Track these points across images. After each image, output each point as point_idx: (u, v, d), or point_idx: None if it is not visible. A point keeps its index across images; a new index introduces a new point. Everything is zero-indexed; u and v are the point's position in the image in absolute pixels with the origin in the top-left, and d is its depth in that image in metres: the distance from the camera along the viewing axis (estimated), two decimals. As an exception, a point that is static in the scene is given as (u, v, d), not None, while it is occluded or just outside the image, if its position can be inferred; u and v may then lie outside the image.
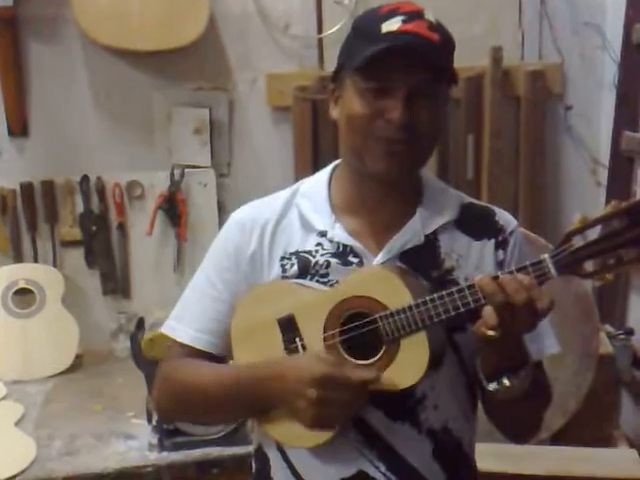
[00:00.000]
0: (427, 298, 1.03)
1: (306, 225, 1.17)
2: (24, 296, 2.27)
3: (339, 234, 1.14)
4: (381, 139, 1.07)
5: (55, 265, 2.33)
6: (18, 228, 2.31)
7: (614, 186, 2.40)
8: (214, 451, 1.78)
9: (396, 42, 1.04)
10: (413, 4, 1.09)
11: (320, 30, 2.36)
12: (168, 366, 1.22)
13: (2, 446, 1.83)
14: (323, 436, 1.09)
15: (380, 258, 1.12)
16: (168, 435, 1.79)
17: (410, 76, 1.05)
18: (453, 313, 1.02)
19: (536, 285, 0.98)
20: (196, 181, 2.38)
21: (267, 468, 1.20)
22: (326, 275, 1.13)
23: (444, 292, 1.03)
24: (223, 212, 2.36)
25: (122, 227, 2.37)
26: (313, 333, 1.11)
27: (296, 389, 1.05)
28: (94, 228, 2.34)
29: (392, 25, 1.05)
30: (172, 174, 2.35)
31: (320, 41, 2.38)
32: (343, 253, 1.13)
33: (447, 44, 1.09)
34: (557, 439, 1.95)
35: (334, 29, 2.31)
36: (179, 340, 1.20)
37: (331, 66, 1.17)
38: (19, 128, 2.29)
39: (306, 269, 1.13)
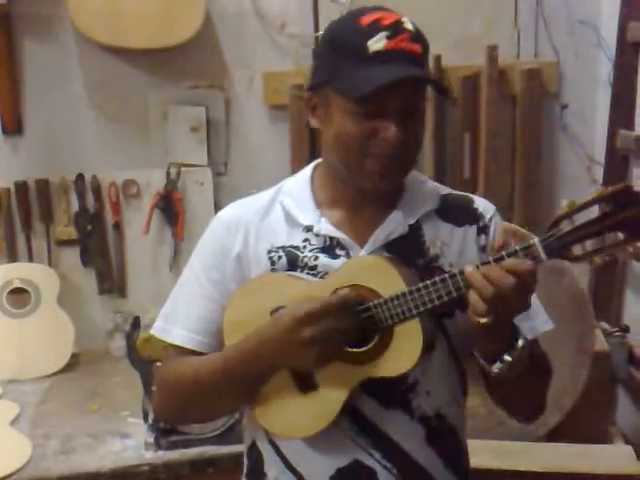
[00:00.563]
0: (420, 285, 1.04)
1: (291, 221, 1.18)
2: (19, 296, 2.26)
3: (325, 227, 1.16)
4: (378, 157, 1.09)
5: (50, 264, 2.32)
6: (13, 227, 2.30)
7: (609, 184, 2.40)
8: (210, 450, 1.79)
9: (388, 64, 1.05)
10: (391, 12, 1.09)
11: (317, 28, 2.35)
12: (162, 370, 1.24)
13: (-2, 445, 1.82)
14: (320, 423, 1.09)
15: (367, 249, 1.14)
16: (164, 434, 1.79)
17: (401, 97, 1.07)
18: (446, 298, 1.04)
19: (519, 263, 0.99)
20: (193, 180, 2.37)
21: (260, 464, 1.20)
22: (315, 268, 1.14)
23: (437, 278, 1.04)
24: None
25: (118, 226, 2.36)
26: None
27: (289, 339, 1.06)
28: (89, 227, 2.33)
29: (378, 43, 1.05)
30: (168, 173, 2.34)
31: (317, 39, 2.37)
32: (330, 246, 1.15)
33: (426, 50, 1.11)
34: (553, 436, 1.95)
35: (330, 27, 2.32)
36: (171, 342, 1.20)
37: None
38: (13, 126, 2.28)
39: (294, 263, 1.15)
